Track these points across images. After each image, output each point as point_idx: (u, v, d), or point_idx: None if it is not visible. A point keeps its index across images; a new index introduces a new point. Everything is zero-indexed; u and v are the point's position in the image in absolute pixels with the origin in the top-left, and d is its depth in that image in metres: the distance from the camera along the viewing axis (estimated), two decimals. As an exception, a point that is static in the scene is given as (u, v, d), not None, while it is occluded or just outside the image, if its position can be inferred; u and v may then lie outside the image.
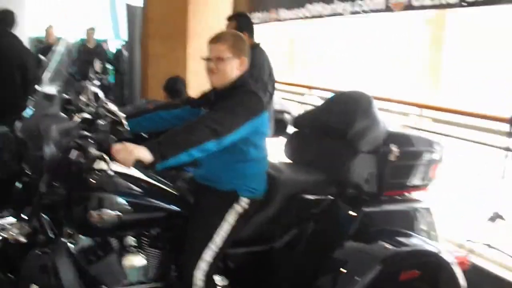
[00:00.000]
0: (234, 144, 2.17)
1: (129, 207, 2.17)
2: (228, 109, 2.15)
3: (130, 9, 9.13)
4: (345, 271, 2.29)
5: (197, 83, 7.03)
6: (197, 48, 6.99)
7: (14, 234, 2.10)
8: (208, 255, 2.17)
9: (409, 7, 3.64)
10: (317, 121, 2.83)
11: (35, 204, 2.07)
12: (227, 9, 6.91)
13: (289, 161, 2.87)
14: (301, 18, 4.98)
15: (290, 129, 3.02)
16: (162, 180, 2.38)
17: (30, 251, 2.15)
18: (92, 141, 2.08)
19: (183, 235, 2.32)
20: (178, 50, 6.87)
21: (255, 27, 5.85)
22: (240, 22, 3.67)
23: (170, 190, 2.35)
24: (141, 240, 2.28)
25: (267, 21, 5.68)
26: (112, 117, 2.33)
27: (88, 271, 2.20)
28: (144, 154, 1.93)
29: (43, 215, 2.19)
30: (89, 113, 2.40)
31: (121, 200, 2.16)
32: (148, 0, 7.25)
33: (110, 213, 2.12)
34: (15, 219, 2.10)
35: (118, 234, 2.23)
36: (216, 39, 2.31)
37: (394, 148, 2.52)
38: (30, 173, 2.01)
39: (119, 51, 10.37)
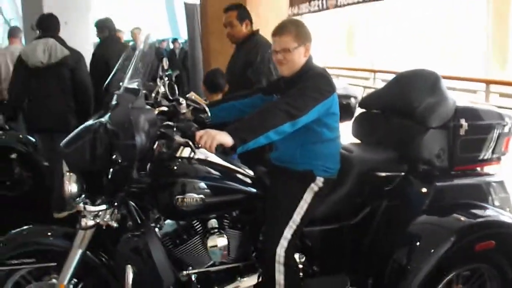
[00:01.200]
0: (308, 126, 2.27)
1: (210, 191, 2.32)
2: (300, 92, 2.26)
3: (188, 7, 9.38)
4: (420, 244, 2.36)
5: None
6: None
7: (106, 220, 2.31)
8: (288, 233, 2.28)
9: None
10: (384, 101, 2.89)
11: (126, 191, 2.25)
12: (284, 2, 6.98)
13: (357, 141, 2.95)
14: (360, 2, 4.98)
15: (357, 111, 3.08)
16: (239, 164, 2.51)
17: (123, 235, 2.34)
18: (175, 130, 2.23)
19: (261, 216, 2.46)
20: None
21: (314, 15, 5.94)
22: (240, 11, 3.76)
23: (247, 173, 2.47)
24: (222, 222, 2.42)
25: (326, 9, 5.71)
26: (195, 105, 2.48)
27: (173, 254, 2.36)
28: (225, 138, 2.06)
29: (131, 202, 2.39)
30: (167, 106, 2.57)
31: (203, 185, 2.30)
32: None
33: (194, 197, 2.26)
34: (107, 206, 2.28)
35: (201, 217, 2.38)
36: (279, 31, 2.41)
37: (464, 122, 2.56)
38: (121, 162, 2.16)
39: (171, 50, 10.68)
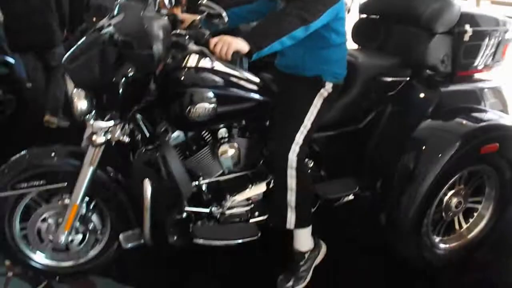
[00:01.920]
0: (317, 31, 2.24)
1: (221, 100, 2.30)
2: None
3: None
4: (427, 149, 2.43)
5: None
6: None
7: (117, 136, 2.28)
8: (300, 138, 2.30)
9: None
10: (384, 7, 2.88)
11: (139, 105, 2.22)
12: None
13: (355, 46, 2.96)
14: None
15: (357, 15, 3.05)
16: (245, 71, 2.48)
17: (137, 150, 2.34)
18: (188, 38, 2.16)
19: (270, 123, 2.48)
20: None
21: None
22: None
23: (254, 80, 2.44)
24: (231, 130, 2.44)
25: None
26: (210, 11, 2.40)
27: (183, 165, 2.37)
28: (241, 45, 2.01)
29: (138, 115, 2.37)
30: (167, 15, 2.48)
31: (213, 94, 2.27)
32: None
33: (206, 107, 2.24)
34: (118, 121, 2.26)
35: (211, 126, 2.38)
36: None
37: (468, 28, 2.57)
38: (136, 74, 2.08)
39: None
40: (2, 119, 4.86)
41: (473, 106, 2.64)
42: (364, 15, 2.99)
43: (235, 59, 2.07)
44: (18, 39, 4.43)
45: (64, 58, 2.25)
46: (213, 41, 2.06)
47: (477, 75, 2.82)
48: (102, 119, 2.21)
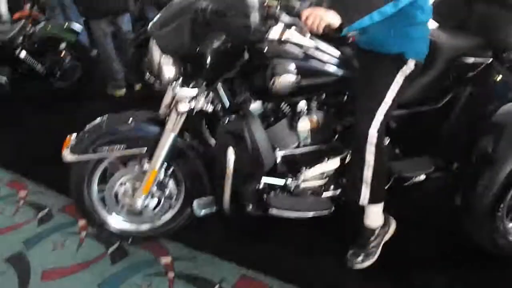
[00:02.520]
0: (403, 8, 2.22)
1: (304, 72, 2.32)
2: None
3: None
4: (507, 133, 2.40)
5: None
6: None
7: (202, 104, 2.34)
8: (381, 114, 2.30)
9: None
10: None
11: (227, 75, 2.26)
12: None
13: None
14: None
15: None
16: (326, 45, 2.45)
17: (221, 118, 2.38)
18: (279, 9, 2.18)
19: (350, 98, 2.48)
20: None
21: None
22: None
23: (337, 55, 2.44)
24: (310, 104, 2.45)
25: None
26: None
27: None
28: (333, 18, 2.02)
29: (221, 84, 2.41)
30: None
31: (296, 66, 2.29)
32: None
33: (289, 78, 2.28)
34: (203, 89, 2.30)
35: (292, 98, 2.41)
36: None
37: None
38: (228, 43, 2.12)
39: None
40: (70, 85, 5.01)
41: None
42: None
43: (326, 32, 2.08)
44: (96, 5, 4.53)
45: (151, 24, 2.30)
46: (305, 13, 2.06)
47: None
48: (188, 87, 2.26)
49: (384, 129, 2.36)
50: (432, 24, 2.59)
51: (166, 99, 2.48)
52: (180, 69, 2.26)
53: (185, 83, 2.27)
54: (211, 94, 2.39)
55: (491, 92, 2.59)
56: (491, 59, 2.56)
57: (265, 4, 2.22)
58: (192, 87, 2.27)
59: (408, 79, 2.39)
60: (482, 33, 2.58)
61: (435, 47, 2.49)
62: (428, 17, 2.41)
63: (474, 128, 2.52)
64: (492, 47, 2.57)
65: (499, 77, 2.57)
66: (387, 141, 2.54)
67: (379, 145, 2.32)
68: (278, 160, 2.48)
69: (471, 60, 2.55)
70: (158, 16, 2.32)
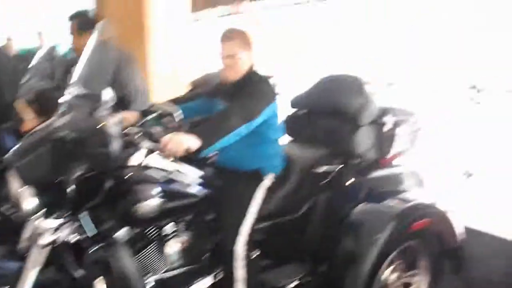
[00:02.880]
0: (255, 128, 2.41)
1: (168, 195, 2.36)
2: (251, 96, 2.40)
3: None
4: (364, 231, 2.62)
5: (159, 81, 7.16)
6: (157, 47, 7.10)
7: (65, 235, 2.25)
8: (245, 229, 2.40)
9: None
10: (312, 102, 3.14)
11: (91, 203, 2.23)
12: (187, 6, 7.03)
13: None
14: (267, 8, 5.20)
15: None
16: (187, 166, 2.53)
17: (88, 248, 2.30)
18: (140, 136, 2.25)
19: (214, 217, 2.55)
20: (139, 51, 6.95)
21: (221, 19, 6.01)
22: (80, 22, 3.45)
23: (198, 176, 2.52)
24: (177, 226, 2.47)
25: (232, 14, 5.87)
26: (163, 111, 2.48)
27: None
28: (192, 142, 2.13)
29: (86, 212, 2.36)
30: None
31: (160, 190, 2.32)
32: (100, 3, 7.24)
33: (154, 203, 2.30)
34: (66, 220, 2.23)
35: (158, 222, 2.41)
36: (226, 38, 2.54)
37: (387, 120, 2.87)
38: (92, 172, 2.12)
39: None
40: None
41: (399, 189, 2.90)
42: (294, 109, 3.21)
43: (185, 156, 2.17)
44: None
45: (10, 154, 2.23)
46: (165, 138, 2.15)
47: (396, 161, 3.09)
48: (50, 218, 2.18)
49: (251, 243, 2.43)
50: (285, 140, 2.81)
51: (27, 232, 2.35)
52: (41, 200, 2.19)
53: (47, 215, 2.19)
54: (75, 224, 2.31)
55: (345, 195, 2.81)
56: (340, 166, 2.81)
57: (125, 131, 2.28)
58: (54, 218, 2.19)
59: (268, 193, 2.54)
60: (330, 144, 2.86)
61: (289, 160, 2.69)
62: (280, 134, 2.63)
63: (335, 230, 2.70)
64: (340, 155, 2.83)
65: (350, 181, 2.81)
66: (256, 253, 2.61)
67: (247, 259, 2.39)
68: (150, 286, 2.42)
69: (323, 169, 2.78)
70: (17, 146, 2.26)
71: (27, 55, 6.54)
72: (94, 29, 3.35)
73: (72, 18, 3.48)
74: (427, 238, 2.79)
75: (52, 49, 6.25)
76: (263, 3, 5.16)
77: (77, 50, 3.48)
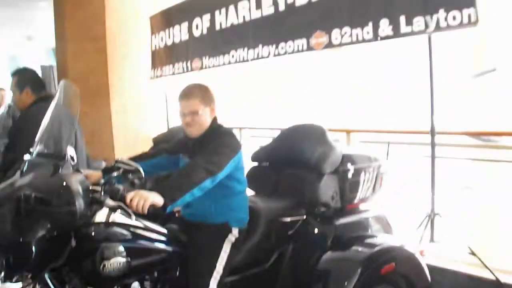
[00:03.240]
0: (220, 181, 2.42)
1: (134, 253, 2.33)
2: (215, 150, 2.42)
3: (44, 69, 9.07)
4: (332, 279, 2.62)
5: (122, 135, 7.18)
6: (119, 103, 7.17)
7: None
8: (214, 284, 2.38)
9: (329, 45, 4.11)
10: (273, 154, 3.20)
11: (58, 262, 2.18)
12: (145, 64, 7.16)
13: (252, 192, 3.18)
14: (226, 64, 5.32)
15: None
16: (151, 222, 2.53)
17: None
18: (104, 194, 2.24)
19: (182, 273, 2.52)
20: (102, 107, 6.99)
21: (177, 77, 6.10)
22: (19, 77, 3.52)
23: (162, 231, 2.51)
24: (143, 284, 2.43)
25: (190, 70, 5.98)
26: (126, 167, 2.48)
27: None
28: (157, 199, 2.13)
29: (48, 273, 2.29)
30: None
31: (125, 247, 2.30)
32: (63, 59, 7.31)
33: (120, 261, 2.26)
34: (27, 282, 2.16)
35: (125, 281, 2.35)
36: (187, 95, 2.59)
37: (350, 167, 2.92)
38: (55, 232, 2.09)
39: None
40: None
41: (365, 234, 2.93)
42: (255, 163, 3.25)
43: (151, 213, 2.16)
44: None
45: None
46: (130, 195, 2.14)
47: (361, 206, 3.14)
48: (10, 280, 2.12)
49: (219, 299, 2.40)
50: (248, 193, 2.83)
51: None
52: (1, 262, 2.12)
53: (7, 278, 2.12)
54: (37, 286, 2.25)
55: (312, 244, 2.82)
56: (305, 216, 2.83)
57: (89, 189, 2.26)
58: (15, 281, 2.12)
59: (235, 246, 2.53)
60: (293, 194, 2.89)
61: (254, 212, 2.71)
62: (244, 187, 2.65)
63: (304, 280, 2.69)
64: (304, 205, 2.86)
65: (316, 230, 2.83)
66: (225, 307, 2.57)
67: None
68: None
69: (288, 219, 2.80)
70: None
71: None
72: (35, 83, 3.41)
73: (12, 74, 3.56)
74: (396, 281, 2.80)
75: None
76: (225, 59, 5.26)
77: (18, 106, 3.58)
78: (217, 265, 2.43)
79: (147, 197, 2.11)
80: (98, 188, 2.31)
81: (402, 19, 3.57)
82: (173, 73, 6.26)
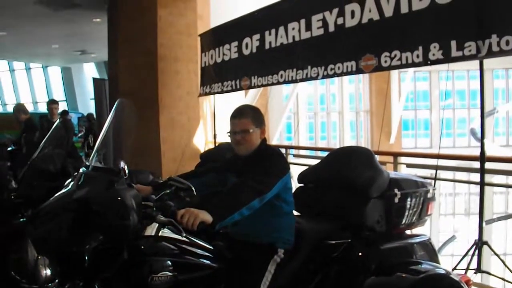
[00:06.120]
0: (268, 201, 2.47)
1: (180, 268, 2.39)
2: (264, 170, 2.47)
3: (96, 82, 9.43)
4: None
5: (169, 150, 7.35)
6: (167, 118, 7.35)
7: None
8: None
9: (378, 67, 4.12)
10: (320, 176, 3.21)
11: (109, 273, 2.26)
12: (195, 81, 7.33)
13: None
14: (274, 84, 5.39)
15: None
16: (199, 240, 2.60)
17: None
18: (155, 209, 2.32)
19: None
20: (151, 120, 7.18)
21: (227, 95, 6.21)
22: None
23: (208, 247, 2.56)
24: None
25: (240, 89, 6.08)
26: (178, 185, 2.56)
27: None
28: (206, 216, 2.20)
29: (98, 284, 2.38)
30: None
31: (173, 262, 2.36)
32: (117, 73, 7.57)
33: (168, 275, 2.32)
34: None
35: None
36: (239, 114, 2.66)
37: (397, 192, 2.91)
38: (109, 244, 2.18)
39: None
40: None
41: (410, 260, 2.89)
42: (302, 184, 3.28)
43: (200, 230, 2.22)
44: None
45: (28, 222, 2.28)
46: (181, 212, 2.22)
47: (407, 232, 3.11)
48: None
49: (263, 318, 2.43)
50: (296, 213, 2.86)
51: None
52: (55, 270, 2.21)
53: (60, 285, 2.21)
54: None
55: (356, 268, 2.81)
56: (350, 239, 2.83)
57: (141, 204, 2.34)
58: None
59: (280, 266, 2.56)
60: (339, 216, 2.89)
61: (300, 233, 2.73)
62: (291, 208, 2.68)
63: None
64: (349, 228, 2.86)
65: (360, 253, 2.83)
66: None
67: None
68: None
69: (333, 241, 2.80)
70: (35, 213, 2.32)
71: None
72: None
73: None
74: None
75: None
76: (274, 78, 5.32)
77: None
78: (261, 285, 2.46)
79: (197, 214, 2.18)
80: (149, 203, 2.39)
81: (453, 44, 3.55)
82: (222, 91, 6.36)
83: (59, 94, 21.96)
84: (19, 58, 20.56)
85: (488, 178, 4.23)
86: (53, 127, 5.11)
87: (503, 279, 3.78)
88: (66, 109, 16.21)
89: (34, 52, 17.28)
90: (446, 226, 13.40)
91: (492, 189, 4.64)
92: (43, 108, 14.82)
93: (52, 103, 7.60)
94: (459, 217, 14.31)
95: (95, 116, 12.94)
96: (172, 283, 2.34)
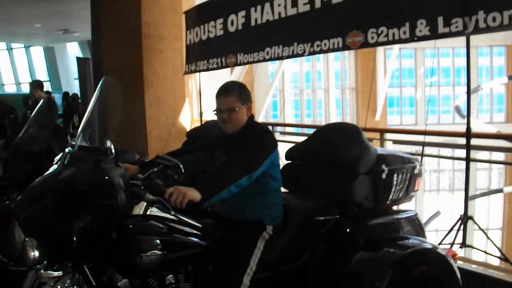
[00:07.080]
0: (256, 178, 2.46)
1: (170, 246, 2.39)
2: (252, 148, 2.47)
3: (81, 62, 9.29)
4: (364, 280, 2.63)
5: (155, 128, 7.30)
6: (153, 96, 7.28)
7: (67, 286, 2.26)
8: (247, 280, 2.42)
9: (365, 44, 4.11)
10: (308, 153, 3.20)
11: (98, 253, 2.25)
12: (180, 60, 7.24)
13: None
14: (260, 61, 5.35)
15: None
16: (188, 218, 2.59)
17: None
18: (143, 188, 2.30)
19: (216, 267, 2.57)
20: (136, 99, 7.11)
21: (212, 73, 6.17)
22: None
23: (197, 226, 2.55)
24: (177, 276, 2.49)
25: (225, 66, 6.03)
26: (167, 163, 2.55)
27: None
28: (195, 194, 2.19)
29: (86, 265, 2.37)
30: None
31: (162, 241, 2.36)
32: (101, 52, 7.46)
33: (157, 253, 2.32)
34: (67, 271, 2.24)
35: (160, 273, 2.42)
36: (225, 92, 2.63)
37: (384, 168, 2.92)
38: (97, 224, 2.16)
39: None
40: None
41: (397, 236, 2.92)
42: (289, 161, 3.28)
43: (189, 208, 2.21)
44: None
45: (15, 204, 2.26)
46: (169, 190, 2.21)
47: (394, 207, 3.13)
48: (52, 269, 2.20)
49: (252, 294, 2.44)
50: (282, 190, 2.86)
51: (26, 283, 2.36)
52: (43, 251, 2.20)
53: (49, 266, 2.20)
54: (75, 275, 2.33)
55: (344, 244, 2.83)
56: (338, 215, 2.85)
57: (129, 182, 2.32)
58: (56, 270, 2.21)
59: (269, 243, 2.57)
60: (327, 193, 2.90)
61: (288, 210, 2.73)
62: (279, 184, 2.68)
63: (335, 279, 2.71)
64: (338, 204, 2.88)
65: (348, 230, 2.85)
66: (256, 303, 2.61)
67: None
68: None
69: (321, 218, 2.81)
70: (22, 196, 2.29)
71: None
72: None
73: None
74: (427, 284, 2.79)
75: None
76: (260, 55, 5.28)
77: None
78: (251, 261, 2.47)
79: (185, 192, 2.17)
80: (136, 182, 2.37)
81: (440, 20, 3.54)
82: (208, 68, 6.31)
83: (42, 74, 21.69)
84: (0, 38, 20.20)
85: (473, 154, 4.28)
86: (37, 107, 5.04)
87: (486, 252, 3.86)
88: (50, 89, 16.05)
89: (15, 32, 17.01)
90: (431, 202, 13.62)
91: (475, 166, 4.69)
92: (26, 89, 14.63)
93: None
94: (443, 193, 14.49)
95: (79, 96, 12.76)
96: (161, 262, 2.34)
